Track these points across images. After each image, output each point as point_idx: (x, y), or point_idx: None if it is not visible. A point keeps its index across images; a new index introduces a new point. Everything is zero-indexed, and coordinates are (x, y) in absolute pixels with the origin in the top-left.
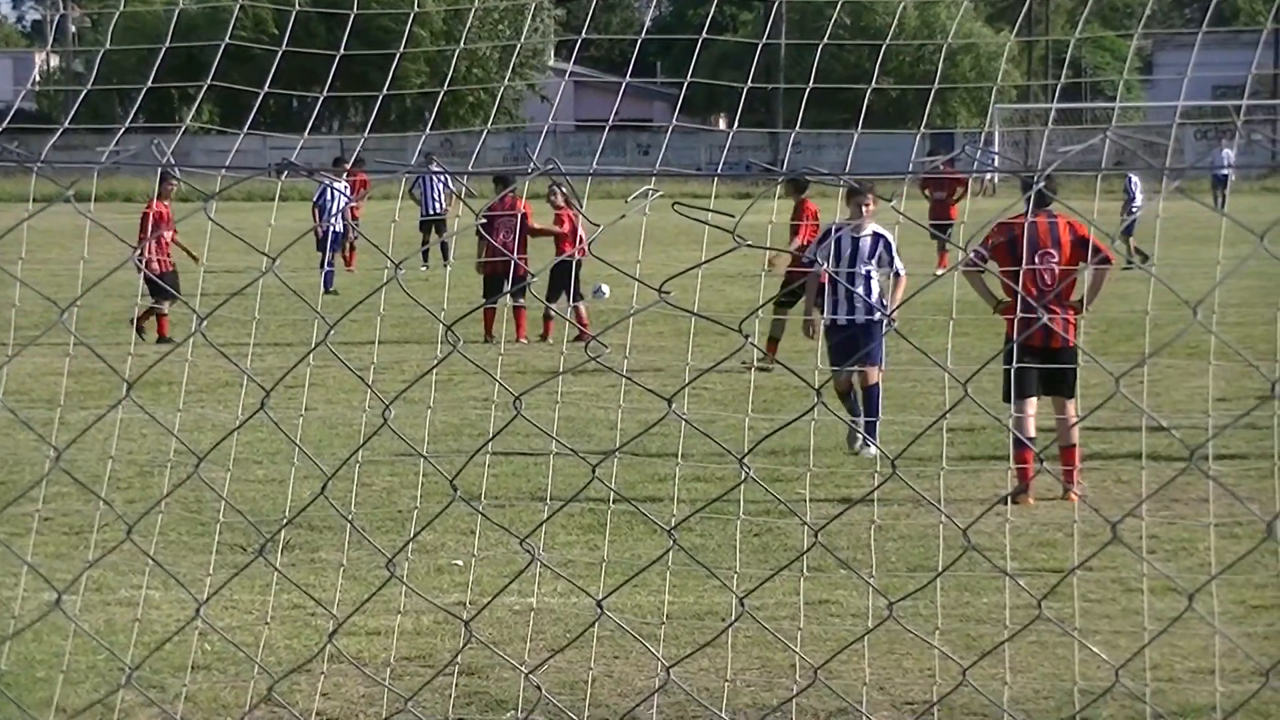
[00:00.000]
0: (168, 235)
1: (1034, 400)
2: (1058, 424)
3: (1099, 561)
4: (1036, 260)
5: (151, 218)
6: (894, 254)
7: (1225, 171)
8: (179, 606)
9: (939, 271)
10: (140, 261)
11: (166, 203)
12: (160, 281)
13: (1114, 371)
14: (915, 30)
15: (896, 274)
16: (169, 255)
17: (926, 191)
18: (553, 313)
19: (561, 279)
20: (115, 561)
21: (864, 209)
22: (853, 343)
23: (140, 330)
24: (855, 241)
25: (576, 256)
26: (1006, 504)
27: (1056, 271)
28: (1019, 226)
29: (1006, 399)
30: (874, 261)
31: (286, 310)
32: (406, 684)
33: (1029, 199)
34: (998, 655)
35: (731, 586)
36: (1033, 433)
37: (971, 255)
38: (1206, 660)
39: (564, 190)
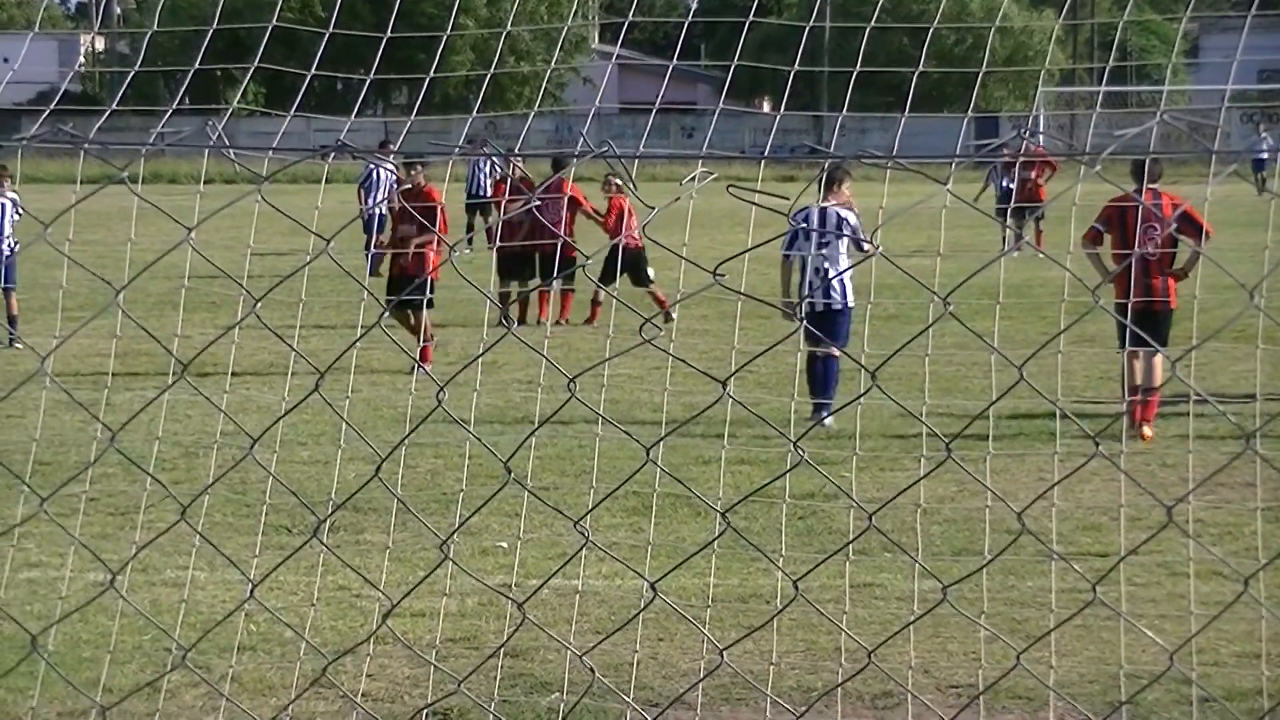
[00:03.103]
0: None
1: (1140, 351)
2: (1145, 369)
3: (1144, 546)
4: (1141, 232)
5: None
6: (857, 232)
7: (1264, 156)
8: (224, 587)
9: (1014, 252)
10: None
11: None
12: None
13: (1168, 355)
14: (954, 15)
15: (862, 250)
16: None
17: (1011, 173)
18: (601, 297)
19: (610, 264)
20: (160, 542)
21: (834, 193)
22: (818, 321)
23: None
24: (822, 220)
25: (624, 242)
26: (1054, 491)
27: (1160, 242)
28: (1129, 202)
29: (1122, 347)
30: (839, 242)
31: (330, 292)
32: (452, 665)
33: (1139, 176)
34: (1043, 639)
35: (780, 569)
36: (1139, 379)
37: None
38: (1252, 645)
39: (618, 179)
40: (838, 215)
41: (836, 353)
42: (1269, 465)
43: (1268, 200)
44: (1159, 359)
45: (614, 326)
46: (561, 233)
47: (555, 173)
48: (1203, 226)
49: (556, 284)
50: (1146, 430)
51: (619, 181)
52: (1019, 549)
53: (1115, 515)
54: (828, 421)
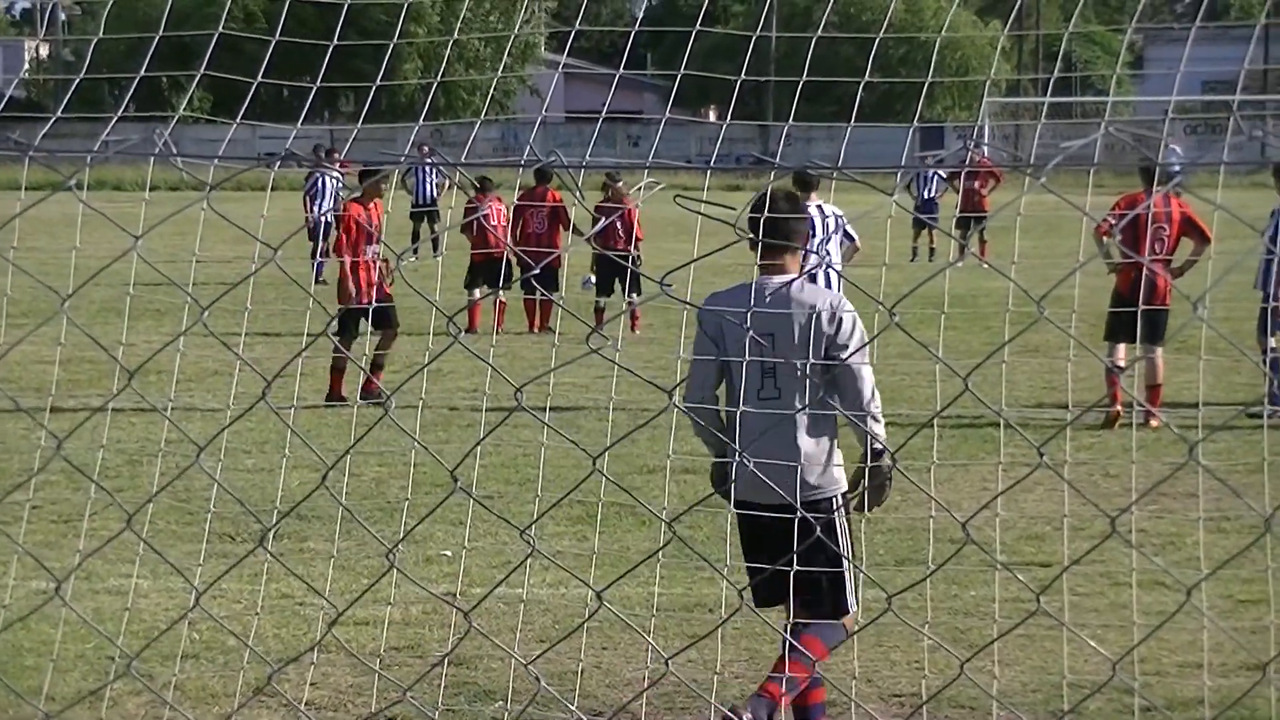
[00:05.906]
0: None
1: (1124, 345)
2: (1147, 364)
3: (1087, 556)
4: (1151, 232)
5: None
6: (845, 226)
7: (1175, 169)
8: (168, 595)
9: (958, 263)
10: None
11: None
12: None
13: (1113, 364)
14: (903, 24)
15: (851, 240)
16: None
17: (955, 183)
18: (603, 303)
19: (613, 272)
20: (103, 550)
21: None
22: None
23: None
24: (823, 222)
25: (633, 252)
26: (997, 501)
27: (1168, 243)
28: (1140, 203)
29: (1108, 338)
30: (835, 237)
31: (275, 300)
32: (396, 674)
33: (1151, 180)
34: (986, 649)
35: (724, 578)
36: (1123, 363)
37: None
38: (1194, 654)
39: (619, 184)
40: (832, 211)
41: None
42: (1211, 475)
43: (1215, 208)
44: (1159, 351)
45: (559, 335)
46: (545, 242)
47: (539, 183)
48: (1204, 232)
49: (504, 293)
50: (1154, 422)
51: (619, 184)
52: (962, 558)
53: (1058, 525)
54: None
